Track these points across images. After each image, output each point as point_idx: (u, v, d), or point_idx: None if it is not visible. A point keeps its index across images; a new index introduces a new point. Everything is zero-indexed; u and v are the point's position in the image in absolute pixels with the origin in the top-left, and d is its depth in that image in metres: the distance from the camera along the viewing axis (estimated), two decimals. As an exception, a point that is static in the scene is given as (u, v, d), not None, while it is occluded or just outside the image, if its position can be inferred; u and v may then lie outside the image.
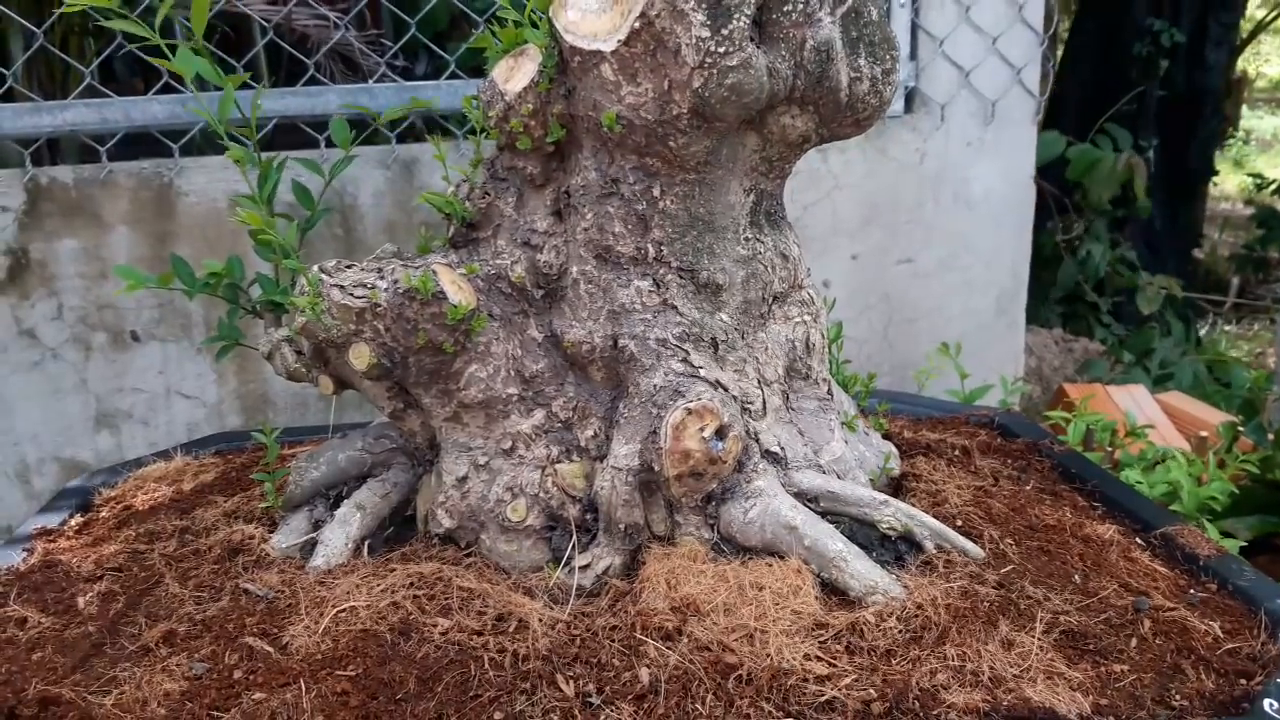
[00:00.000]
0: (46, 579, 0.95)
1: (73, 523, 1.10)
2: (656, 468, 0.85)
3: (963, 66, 2.25)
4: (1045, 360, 3.45)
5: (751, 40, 0.79)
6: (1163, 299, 3.92)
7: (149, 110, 1.85)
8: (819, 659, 0.75)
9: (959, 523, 0.93)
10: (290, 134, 2.02)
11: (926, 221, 2.38)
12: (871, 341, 2.40)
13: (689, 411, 0.83)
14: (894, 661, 0.75)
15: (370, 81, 1.96)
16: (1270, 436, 2.31)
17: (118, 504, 1.12)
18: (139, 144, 1.95)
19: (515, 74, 0.86)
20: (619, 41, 0.78)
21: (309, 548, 0.94)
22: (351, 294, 0.86)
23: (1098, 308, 3.88)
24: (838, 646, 0.77)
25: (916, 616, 0.78)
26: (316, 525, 0.97)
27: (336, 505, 0.98)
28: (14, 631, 0.87)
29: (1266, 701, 0.73)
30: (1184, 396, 2.79)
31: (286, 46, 1.94)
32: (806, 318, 0.95)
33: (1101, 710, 0.73)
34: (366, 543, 0.94)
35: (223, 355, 1.02)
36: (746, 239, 0.91)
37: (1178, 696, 0.75)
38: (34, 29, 1.85)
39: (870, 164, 2.32)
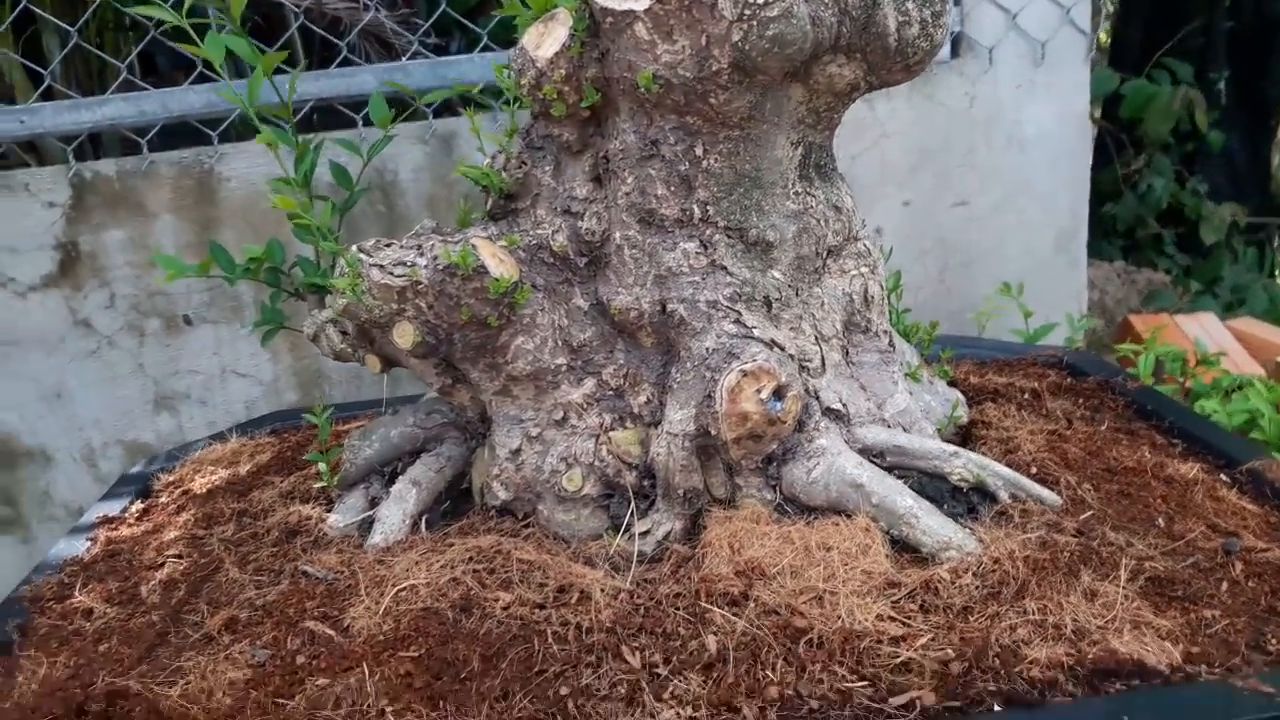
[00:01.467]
0: (110, 568, 0.95)
1: (134, 509, 1.10)
2: (714, 432, 0.82)
3: (1008, 9, 2.17)
4: (1108, 293, 3.36)
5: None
6: (1227, 227, 3.79)
7: (185, 100, 1.85)
8: (892, 619, 0.73)
9: (1034, 470, 0.89)
10: (328, 115, 2.01)
11: (979, 165, 2.32)
12: (928, 287, 2.34)
13: (744, 374, 0.80)
14: (971, 619, 0.72)
15: (404, 60, 1.93)
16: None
17: (176, 488, 1.13)
18: (180, 134, 1.95)
19: (546, 40, 0.82)
20: (649, 7, 0.74)
21: (366, 526, 0.93)
22: (391, 273, 0.84)
23: (1161, 239, 3.76)
24: (912, 606, 0.74)
25: (994, 571, 0.75)
26: (373, 503, 0.96)
27: (392, 482, 0.97)
28: (81, 623, 0.87)
29: (1375, 647, 0.68)
30: (1257, 322, 2.69)
31: (319, 30, 1.92)
32: (864, 269, 0.91)
33: (1193, 659, 0.69)
34: (424, 518, 0.93)
35: (268, 340, 1.01)
36: (796, 193, 0.87)
37: (1274, 641, 0.71)
38: (68, 27, 1.85)
39: (918, 111, 2.25)
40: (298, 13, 1.90)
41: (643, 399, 0.88)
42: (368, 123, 1.83)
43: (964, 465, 0.85)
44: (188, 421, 2.00)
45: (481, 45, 1.96)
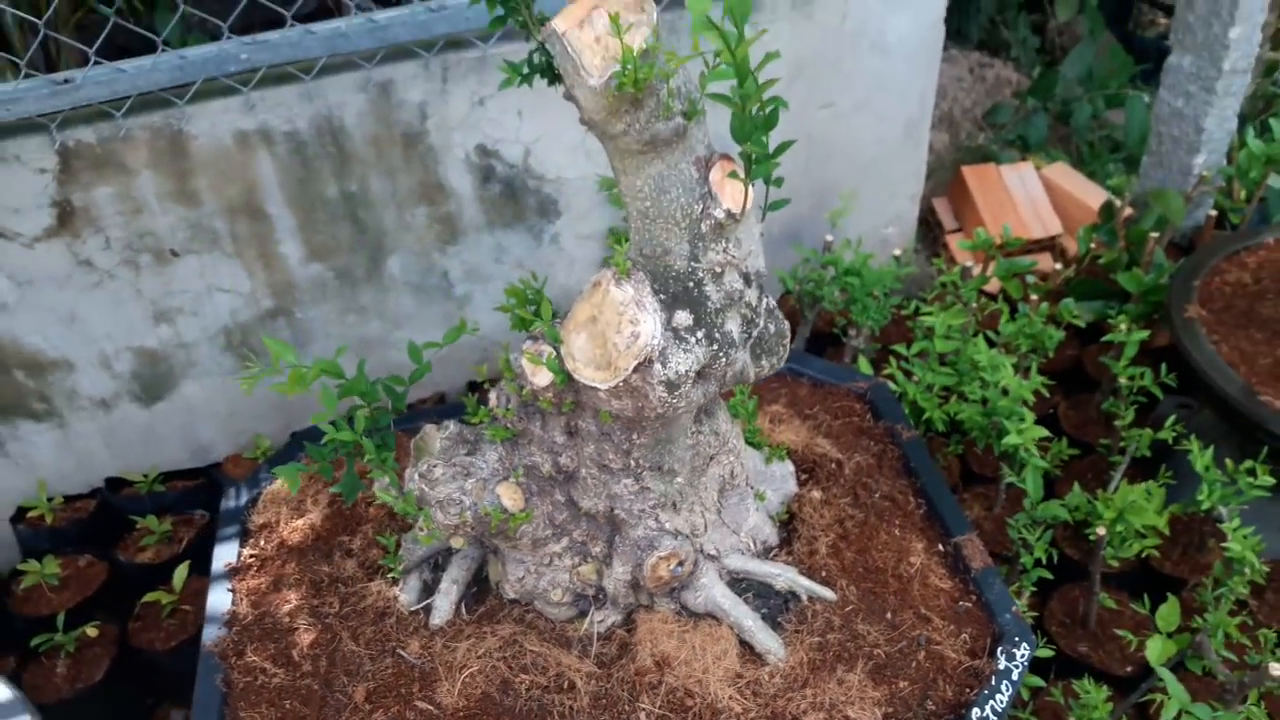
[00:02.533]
0: (264, 630, 1.53)
1: (247, 556, 1.65)
2: (641, 582, 1.42)
3: (882, -68, 2.43)
4: (957, 100, 3.80)
5: (694, 383, 1.23)
6: (1079, 4, 4.16)
7: (154, 78, 2.09)
8: (736, 699, 1.39)
9: (823, 573, 1.53)
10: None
11: (846, 71, 2.69)
12: (794, 176, 2.81)
13: (660, 557, 1.39)
14: (778, 701, 1.39)
15: (343, 23, 2.15)
16: (1120, 243, 2.83)
17: (271, 535, 1.67)
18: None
19: (539, 373, 1.28)
20: (608, 388, 1.22)
21: (426, 608, 1.52)
22: (448, 512, 1.36)
23: (1016, 24, 4.11)
24: (748, 690, 1.40)
25: (792, 670, 1.41)
26: (425, 585, 1.54)
27: (436, 567, 1.54)
28: (262, 679, 1.47)
29: (974, 711, 1.39)
30: (1069, 172, 3.23)
31: (270, 4, 2.10)
32: (729, 459, 1.47)
33: (889, 717, 1.38)
34: (462, 603, 1.53)
35: (350, 498, 1.51)
36: (692, 432, 1.40)
37: (931, 704, 1.41)
38: (36, 20, 2.01)
39: (796, 29, 2.57)
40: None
41: (598, 549, 1.46)
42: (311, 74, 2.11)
43: (783, 579, 1.48)
44: (184, 329, 2.43)
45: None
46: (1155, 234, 2.74)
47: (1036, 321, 2.38)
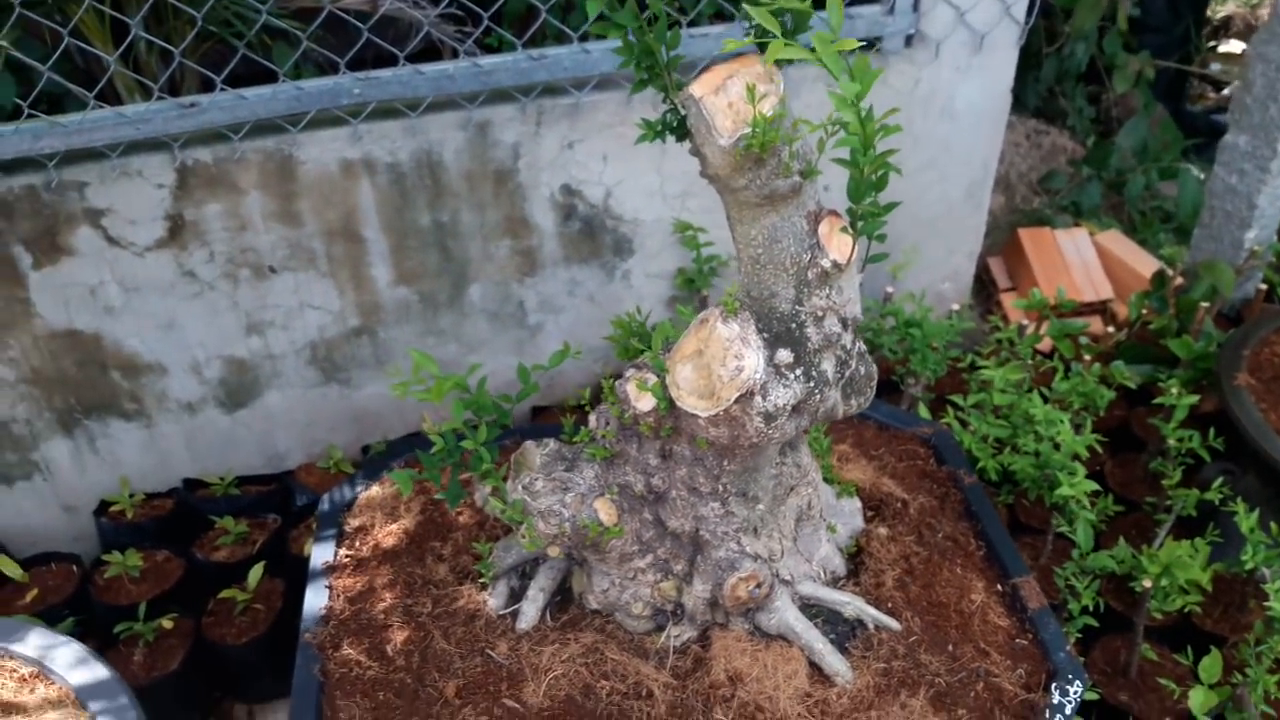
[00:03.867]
0: (358, 625, 1.63)
1: (343, 556, 1.76)
2: (720, 601, 1.52)
3: (959, 6, 2.57)
4: (1014, 165, 3.92)
5: (789, 416, 1.34)
6: (1135, 78, 4.28)
7: (272, 106, 2.24)
8: (805, 716, 1.48)
9: (889, 605, 1.62)
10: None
11: (915, 133, 2.81)
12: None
13: (741, 578, 1.49)
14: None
15: (450, 65, 2.30)
16: (1171, 310, 2.92)
17: (366, 537, 1.78)
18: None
19: (642, 398, 1.40)
20: (709, 416, 1.33)
21: (513, 613, 1.63)
22: (548, 522, 1.47)
23: (1073, 95, 4.23)
24: (816, 709, 1.49)
25: (859, 693, 1.50)
26: (513, 591, 1.65)
27: (523, 576, 1.65)
28: (356, 671, 1.57)
29: (1027, 743, 1.47)
30: (1121, 239, 3.33)
31: (381, 43, 2.26)
32: (808, 490, 1.57)
33: (948, 742, 1.47)
34: (547, 610, 1.63)
35: (454, 503, 1.62)
36: (776, 463, 1.50)
37: (988, 731, 1.49)
38: (171, 48, 2.17)
39: (873, 94, 2.69)
40: (361, 28, 2.23)
41: (679, 567, 1.56)
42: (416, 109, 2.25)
43: (851, 607, 1.57)
44: (273, 341, 2.56)
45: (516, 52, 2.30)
46: (1205, 304, 2.83)
47: (1090, 381, 2.47)
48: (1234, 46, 6.16)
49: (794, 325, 1.33)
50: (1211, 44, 5.43)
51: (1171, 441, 2.31)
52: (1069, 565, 2.05)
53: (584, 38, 2.41)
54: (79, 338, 2.43)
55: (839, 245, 1.29)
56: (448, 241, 2.56)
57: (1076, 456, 2.23)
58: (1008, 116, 2.88)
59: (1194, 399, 2.31)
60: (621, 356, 1.51)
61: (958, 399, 2.49)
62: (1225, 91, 5.29)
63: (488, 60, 2.34)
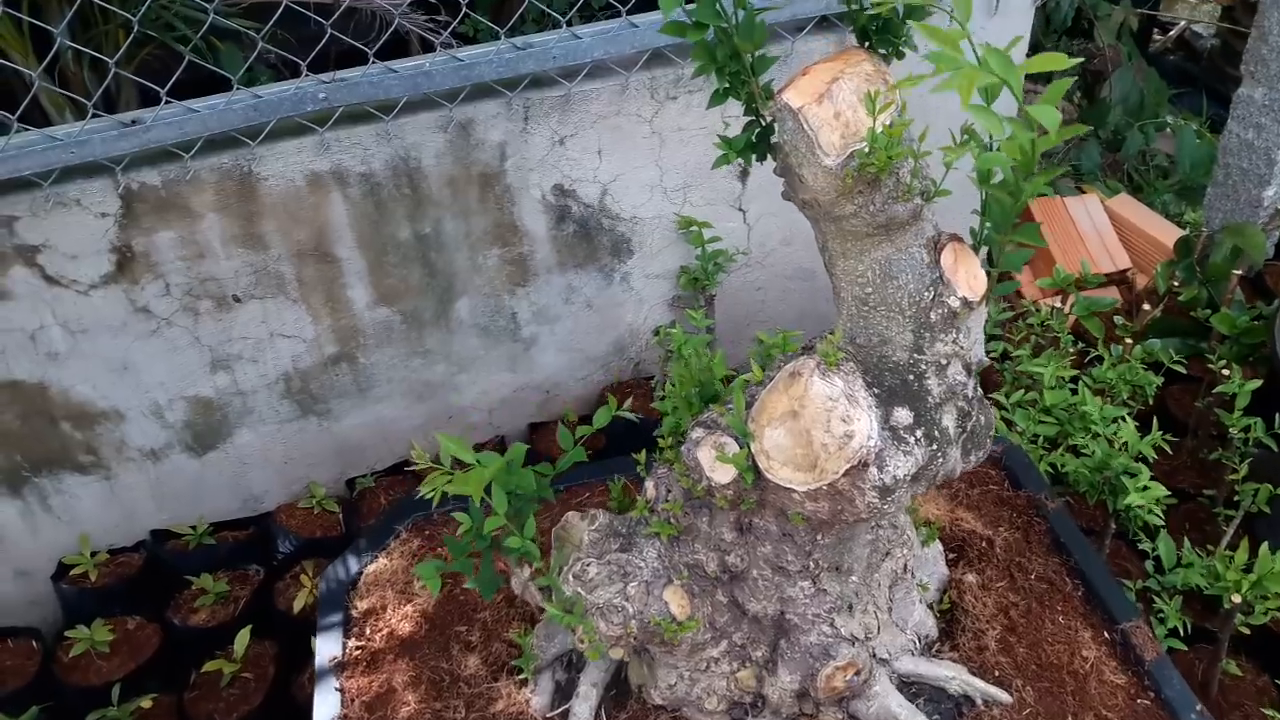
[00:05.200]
0: (387, 737, 1.41)
1: (353, 649, 1.53)
2: (811, 692, 1.32)
3: (979, -32, 2.33)
4: (1006, 125, 3.71)
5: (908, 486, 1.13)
6: (1118, 29, 4.10)
7: (227, 118, 1.96)
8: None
9: (995, 672, 1.43)
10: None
11: (937, 101, 2.58)
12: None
13: (837, 667, 1.28)
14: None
15: (427, 61, 2.02)
16: (1197, 278, 2.76)
17: (378, 623, 1.55)
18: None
19: (717, 468, 1.17)
20: (808, 490, 1.11)
21: (564, 712, 1.41)
22: (611, 621, 1.24)
23: (1058, 49, 4.05)
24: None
25: (972, 779, 1.31)
26: (559, 686, 1.43)
27: (569, 666, 1.43)
28: (393, 793, 1.35)
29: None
30: (1132, 203, 3.16)
31: (346, 39, 1.97)
32: (904, 551, 1.36)
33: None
34: (602, 708, 1.41)
35: (488, 595, 1.39)
36: (872, 528, 1.29)
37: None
38: (106, 59, 1.87)
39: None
40: (324, 24, 1.95)
41: (759, 653, 1.35)
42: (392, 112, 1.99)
43: (956, 682, 1.38)
44: (242, 376, 2.30)
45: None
46: (1237, 271, 2.66)
47: (1136, 367, 2.30)
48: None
49: (912, 377, 1.11)
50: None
51: (1235, 432, 2.14)
52: (1148, 581, 1.88)
53: (571, 21, 2.15)
54: (20, 389, 2.14)
55: (968, 278, 1.07)
56: (431, 254, 2.30)
57: (1140, 457, 2.06)
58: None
59: (1257, 383, 2.15)
60: (684, 415, 1.27)
61: (999, 396, 2.31)
62: (1172, 33, 5.13)
63: (468, 52, 2.07)
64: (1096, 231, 3.05)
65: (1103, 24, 4.00)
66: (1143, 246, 3.04)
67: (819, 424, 1.09)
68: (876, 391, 1.11)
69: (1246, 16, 4.25)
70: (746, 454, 1.16)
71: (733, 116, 2.37)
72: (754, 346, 2.35)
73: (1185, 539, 2.08)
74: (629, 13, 2.14)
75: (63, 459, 2.28)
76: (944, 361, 1.11)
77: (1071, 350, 2.40)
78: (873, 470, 1.08)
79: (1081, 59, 0.94)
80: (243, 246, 2.14)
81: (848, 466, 1.08)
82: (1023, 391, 2.28)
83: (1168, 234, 3.00)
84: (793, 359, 1.12)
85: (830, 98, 0.99)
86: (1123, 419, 2.03)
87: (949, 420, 1.14)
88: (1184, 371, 2.45)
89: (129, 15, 1.80)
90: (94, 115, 1.88)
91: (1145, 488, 2.01)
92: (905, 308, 1.08)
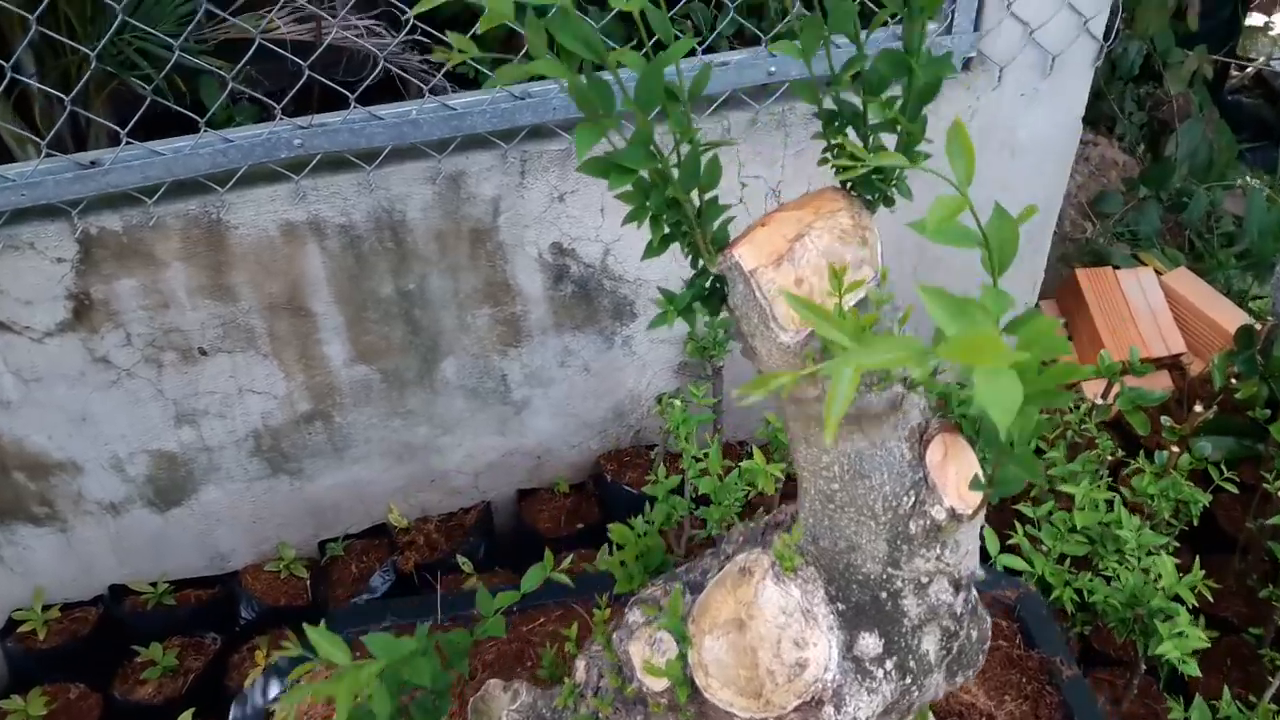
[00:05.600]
0: None
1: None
2: None
3: (1029, 23, 2.13)
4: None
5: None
6: (1191, 76, 3.83)
7: (192, 163, 1.81)
8: None
9: None
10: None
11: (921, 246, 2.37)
12: (901, 281, 2.49)
13: None
14: None
15: (414, 110, 1.85)
16: (1259, 372, 2.50)
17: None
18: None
19: (654, 680, 0.98)
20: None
21: None
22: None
23: (1123, 97, 3.80)
24: None
25: None
26: None
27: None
28: None
29: None
30: (1191, 279, 2.91)
31: (323, 80, 1.81)
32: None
33: None
34: None
35: None
36: None
37: None
38: (62, 95, 1.72)
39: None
40: (301, 64, 1.79)
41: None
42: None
43: None
44: (208, 432, 2.14)
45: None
46: (1306, 371, 2.41)
47: (1181, 483, 2.06)
48: (1255, 20, 5.69)
49: (884, 595, 0.91)
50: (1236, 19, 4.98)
51: (1291, 567, 1.90)
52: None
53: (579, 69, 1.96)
54: (-32, 437, 2.01)
55: (958, 482, 0.87)
56: (415, 311, 2.13)
57: (1178, 597, 1.83)
58: (1074, 155, 2.45)
59: (1321, 514, 1.90)
60: (623, 588, 1.08)
61: (1025, 508, 2.08)
62: (1249, 70, 4.83)
63: (460, 100, 1.90)
64: (1150, 310, 2.80)
65: (1172, 71, 3.74)
66: (1200, 329, 2.79)
67: (768, 645, 0.90)
68: (841, 608, 0.91)
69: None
70: (682, 665, 0.96)
71: (751, 176, 2.17)
72: (762, 427, 2.16)
73: (1225, 686, 1.85)
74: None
75: (15, 510, 2.14)
76: (925, 580, 0.91)
77: (1110, 456, 2.17)
78: (828, 709, 0.88)
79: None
80: (210, 297, 1.98)
81: (798, 703, 0.88)
82: (1052, 502, 2.06)
83: (1229, 317, 2.75)
84: (748, 546, 0.93)
85: (792, 259, 0.80)
86: (1163, 550, 1.79)
87: (930, 643, 0.94)
88: (1236, 483, 2.20)
89: (86, 49, 1.64)
90: (47, 155, 1.74)
91: (1181, 633, 1.78)
92: (879, 513, 0.88)
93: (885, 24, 0.87)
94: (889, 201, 0.94)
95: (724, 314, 0.95)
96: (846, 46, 1.86)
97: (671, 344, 2.40)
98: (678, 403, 2.14)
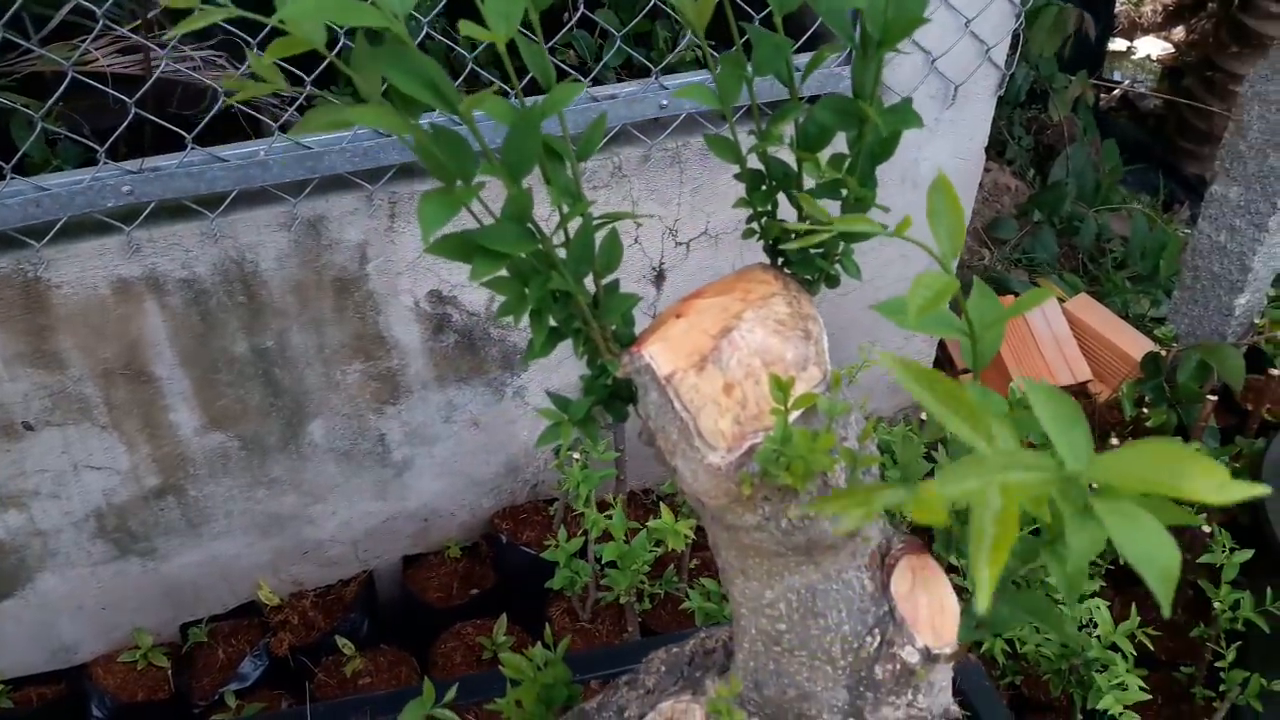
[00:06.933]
0: None
1: None
2: None
3: (930, 51, 2.03)
4: (955, 207, 3.43)
5: None
6: (1074, 101, 3.85)
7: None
8: None
9: None
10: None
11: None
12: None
13: None
14: None
15: (261, 150, 1.64)
16: (1167, 400, 2.46)
17: None
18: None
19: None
20: None
21: None
22: None
23: (1011, 122, 3.80)
24: None
25: None
26: None
27: None
28: None
29: None
30: (1093, 306, 2.87)
31: (154, 118, 1.58)
32: None
33: None
34: None
35: None
36: None
37: None
38: None
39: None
40: (126, 101, 1.56)
41: None
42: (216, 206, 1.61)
43: None
44: (40, 514, 1.89)
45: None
46: (1212, 397, 2.37)
47: (1104, 522, 1.97)
48: (1118, 45, 5.85)
49: None
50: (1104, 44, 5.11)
51: (1221, 608, 1.83)
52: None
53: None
54: None
55: (934, 612, 0.72)
56: (275, 371, 1.91)
57: (1115, 645, 1.74)
58: (977, 186, 2.37)
59: (1247, 554, 1.84)
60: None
61: (941, 550, 1.96)
62: (1115, 93, 4.95)
63: (317, 139, 1.69)
64: (1054, 339, 2.75)
65: (1058, 95, 3.74)
66: (1105, 356, 2.75)
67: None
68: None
69: (1195, 83, 4.03)
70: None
71: (648, 216, 2.02)
72: (669, 478, 1.99)
73: (1160, 730, 1.76)
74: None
75: None
76: (891, 725, 0.75)
77: (1031, 496, 2.07)
78: None
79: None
80: (32, 365, 1.73)
81: None
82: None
83: (1132, 343, 2.72)
84: (671, 680, 0.75)
85: (718, 361, 0.65)
86: (1096, 605, 1.70)
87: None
88: (1156, 518, 2.14)
89: None
90: None
91: (1121, 683, 1.68)
92: (836, 657, 0.72)
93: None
94: (832, 281, 0.79)
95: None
96: (766, 86, 1.71)
97: (569, 392, 2.22)
98: (576, 456, 1.97)
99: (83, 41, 1.40)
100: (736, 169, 0.79)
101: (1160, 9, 6.24)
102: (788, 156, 0.77)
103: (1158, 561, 0.36)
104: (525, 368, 2.13)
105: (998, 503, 0.36)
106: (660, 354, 0.66)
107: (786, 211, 0.81)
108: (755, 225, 0.78)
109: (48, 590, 2.00)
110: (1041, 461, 0.39)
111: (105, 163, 1.58)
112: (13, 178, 1.54)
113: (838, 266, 0.80)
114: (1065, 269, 3.32)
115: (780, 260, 0.79)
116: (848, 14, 0.69)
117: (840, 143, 0.76)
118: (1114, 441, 2.27)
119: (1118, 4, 5.35)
